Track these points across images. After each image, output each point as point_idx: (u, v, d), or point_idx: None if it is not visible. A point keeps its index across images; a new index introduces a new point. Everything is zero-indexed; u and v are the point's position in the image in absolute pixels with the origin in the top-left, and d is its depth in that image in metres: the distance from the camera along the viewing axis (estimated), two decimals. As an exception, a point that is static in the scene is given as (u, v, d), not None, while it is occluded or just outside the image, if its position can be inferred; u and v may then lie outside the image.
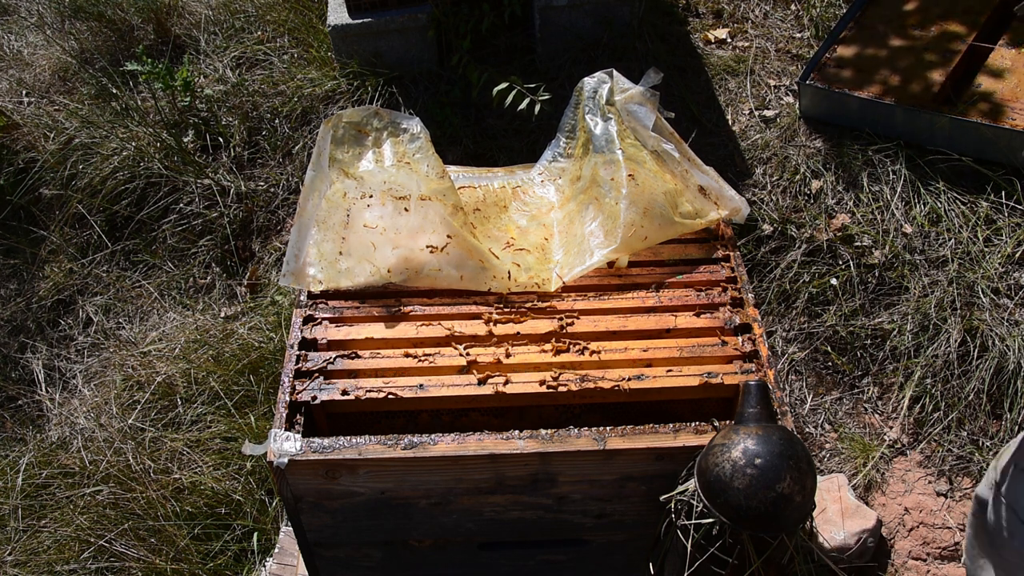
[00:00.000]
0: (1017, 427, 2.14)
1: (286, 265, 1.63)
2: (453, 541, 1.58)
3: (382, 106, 2.97)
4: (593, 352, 1.52)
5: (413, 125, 1.82)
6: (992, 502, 1.58)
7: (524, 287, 1.63)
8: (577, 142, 1.86)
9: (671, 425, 1.40)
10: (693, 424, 1.40)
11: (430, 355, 1.52)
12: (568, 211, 1.77)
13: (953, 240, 2.39)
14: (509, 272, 1.64)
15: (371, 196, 1.69)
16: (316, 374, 1.49)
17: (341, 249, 1.63)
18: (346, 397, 1.46)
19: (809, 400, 2.38)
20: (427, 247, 1.62)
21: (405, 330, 1.57)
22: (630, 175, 1.67)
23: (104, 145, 3.10)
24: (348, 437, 1.39)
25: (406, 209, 1.67)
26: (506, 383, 1.47)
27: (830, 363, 2.42)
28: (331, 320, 1.59)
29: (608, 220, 1.66)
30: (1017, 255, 2.34)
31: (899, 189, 2.49)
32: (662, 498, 1.35)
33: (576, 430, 1.40)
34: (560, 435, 1.39)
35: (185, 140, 3.11)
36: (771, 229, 2.54)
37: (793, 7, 3.22)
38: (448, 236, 1.63)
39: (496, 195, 1.87)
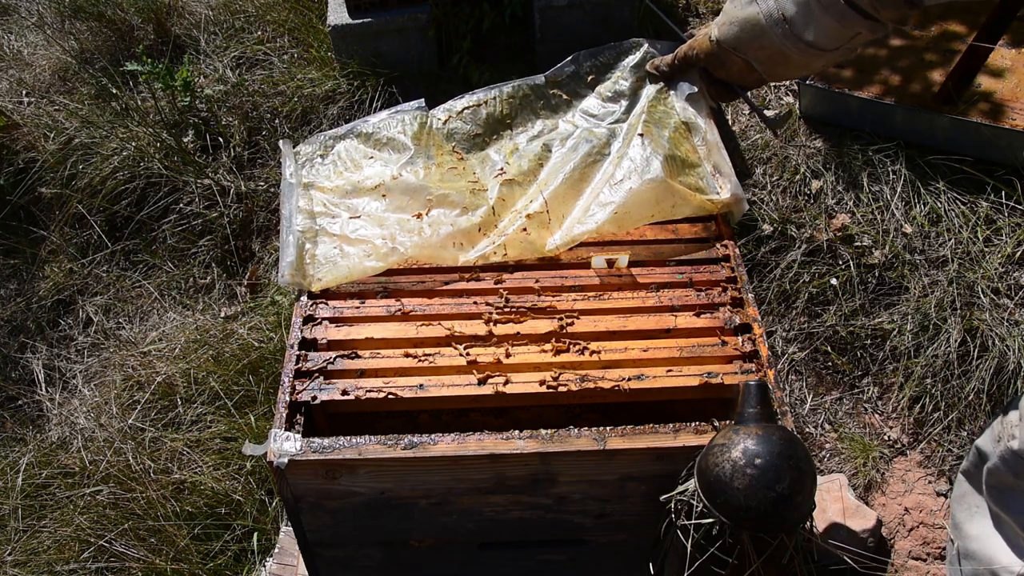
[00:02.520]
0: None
1: (282, 269, 1.63)
2: (453, 541, 1.58)
3: (382, 106, 2.97)
4: (593, 352, 1.52)
5: (366, 127, 1.88)
6: (997, 452, 1.58)
7: (514, 242, 1.68)
8: (605, 83, 1.91)
9: (671, 425, 1.40)
10: (693, 424, 1.40)
11: (430, 355, 1.52)
12: (579, 166, 1.80)
13: (953, 240, 2.40)
14: (493, 208, 1.70)
15: (351, 199, 1.76)
16: (316, 374, 1.49)
17: (337, 245, 1.66)
18: (346, 397, 1.46)
19: (809, 400, 2.38)
20: (413, 215, 1.69)
21: (405, 330, 1.57)
22: (641, 134, 1.73)
23: (104, 145, 3.10)
24: (348, 437, 1.39)
25: (383, 196, 1.74)
26: (506, 383, 1.47)
27: (830, 363, 2.42)
28: (331, 320, 1.59)
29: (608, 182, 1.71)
30: (1017, 255, 2.34)
31: (899, 189, 2.49)
32: (662, 498, 1.35)
33: (576, 430, 1.40)
34: (560, 435, 1.39)
35: (185, 140, 3.11)
36: (771, 229, 2.54)
37: (793, 7, 3.21)
38: (428, 199, 1.71)
39: (503, 107, 1.92)
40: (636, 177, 1.68)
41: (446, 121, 1.88)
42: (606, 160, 1.76)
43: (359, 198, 1.75)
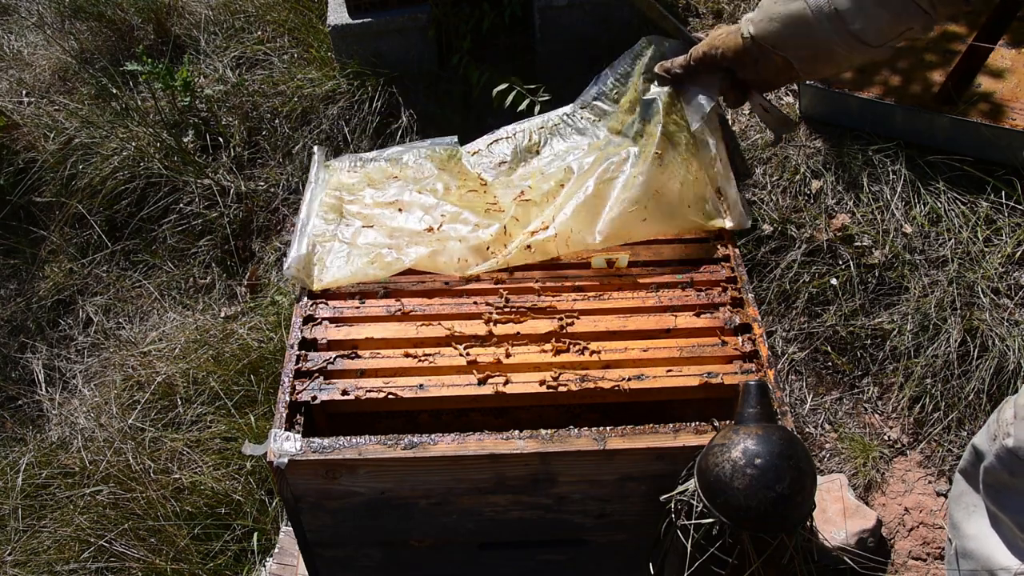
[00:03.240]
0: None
1: (287, 268, 1.64)
2: (453, 541, 1.58)
3: (382, 106, 2.97)
4: (593, 352, 1.52)
5: (395, 153, 1.89)
6: (994, 449, 1.58)
7: (520, 254, 1.67)
8: (626, 94, 1.85)
9: (671, 425, 1.40)
10: (693, 424, 1.40)
11: (430, 355, 1.52)
12: (596, 182, 1.74)
13: (953, 240, 2.40)
14: (505, 227, 1.68)
15: (368, 209, 1.77)
16: (316, 374, 1.49)
17: (345, 250, 1.66)
18: (346, 397, 1.46)
19: (809, 400, 2.38)
20: (425, 229, 1.70)
21: (405, 330, 1.57)
22: (657, 153, 1.69)
23: (104, 145, 3.10)
24: (348, 437, 1.39)
25: (400, 210, 1.74)
26: (506, 383, 1.47)
27: (830, 363, 2.42)
28: (331, 320, 1.59)
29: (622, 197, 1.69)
30: (1017, 255, 2.34)
31: (899, 189, 2.49)
32: (662, 498, 1.35)
33: (576, 430, 1.40)
34: (560, 435, 1.39)
35: (185, 140, 3.11)
36: (771, 229, 2.54)
37: (793, 7, 3.21)
38: (442, 216, 1.71)
39: (532, 137, 1.90)
40: (647, 201, 1.67)
41: (474, 153, 1.90)
42: (621, 177, 1.71)
43: (376, 209, 1.76)
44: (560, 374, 1.48)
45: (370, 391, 1.47)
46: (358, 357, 1.52)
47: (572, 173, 1.78)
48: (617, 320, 1.57)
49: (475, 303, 1.61)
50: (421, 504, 1.48)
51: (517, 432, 1.39)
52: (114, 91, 3.28)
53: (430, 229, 1.70)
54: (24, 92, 3.52)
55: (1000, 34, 2.58)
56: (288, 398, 1.45)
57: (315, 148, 1.92)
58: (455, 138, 1.92)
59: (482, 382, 1.47)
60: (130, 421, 2.42)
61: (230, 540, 2.21)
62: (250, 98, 3.17)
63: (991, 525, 1.67)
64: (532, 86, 2.62)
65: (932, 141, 2.51)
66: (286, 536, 2.08)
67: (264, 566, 2.13)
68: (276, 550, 2.08)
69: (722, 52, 1.63)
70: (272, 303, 2.68)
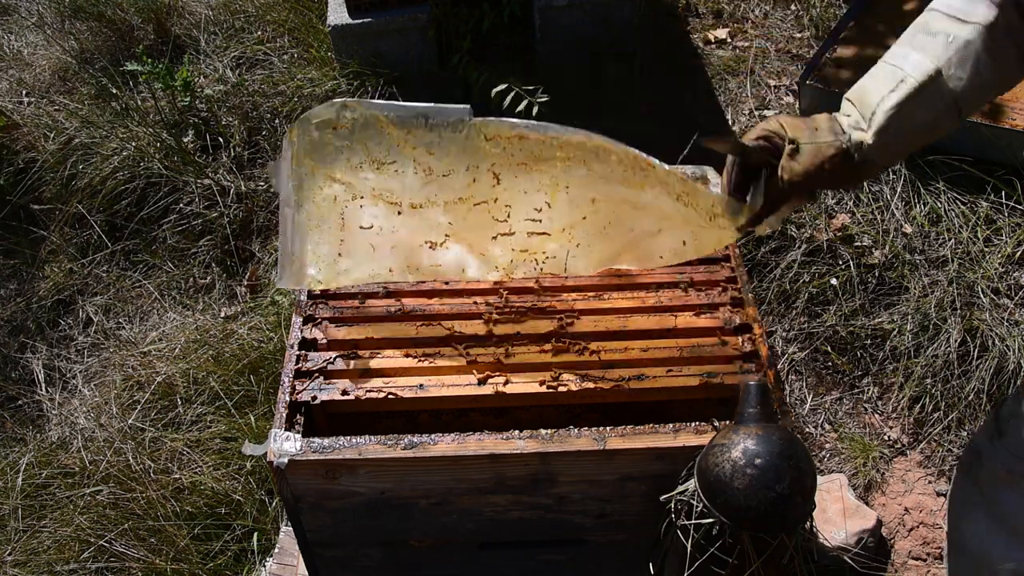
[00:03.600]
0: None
1: (281, 269, 1.58)
2: (453, 541, 1.58)
3: (382, 106, 2.96)
4: (593, 352, 1.52)
5: (394, 121, 1.51)
6: (991, 449, 1.58)
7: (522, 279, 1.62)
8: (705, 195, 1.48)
9: (671, 425, 1.40)
10: (693, 424, 1.40)
11: (430, 355, 1.52)
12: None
13: (953, 240, 2.40)
14: (512, 259, 1.57)
15: (362, 197, 1.56)
16: (316, 374, 1.49)
17: (340, 251, 1.61)
18: (346, 397, 1.46)
19: (809, 400, 2.38)
20: (426, 243, 1.57)
21: (405, 330, 1.57)
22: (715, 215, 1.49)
23: (104, 145, 3.10)
24: (348, 437, 1.39)
25: (399, 213, 1.57)
26: (506, 383, 1.47)
27: (830, 363, 2.42)
28: (331, 320, 1.59)
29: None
30: (1017, 255, 2.34)
31: (899, 189, 2.49)
32: (662, 498, 1.35)
33: (576, 430, 1.40)
34: (560, 435, 1.39)
35: (185, 140, 3.11)
36: (771, 229, 2.54)
37: (793, 7, 3.22)
38: (447, 235, 1.57)
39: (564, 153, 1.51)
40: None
41: (490, 140, 1.50)
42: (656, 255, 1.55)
43: (372, 206, 1.56)
44: (560, 374, 1.48)
45: (370, 391, 1.47)
46: (358, 357, 1.52)
47: (599, 212, 1.52)
48: (617, 320, 1.57)
49: (475, 303, 1.61)
50: (421, 504, 1.48)
51: (517, 432, 1.40)
52: (114, 91, 3.28)
53: (432, 246, 1.56)
54: (24, 92, 3.52)
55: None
56: (288, 398, 1.45)
57: (287, 135, 1.51)
58: (468, 109, 1.46)
59: (482, 382, 1.47)
60: (130, 421, 2.42)
61: (230, 540, 2.21)
62: (250, 98, 3.17)
63: (989, 524, 1.68)
64: (530, 87, 2.62)
65: (932, 141, 2.51)
66: (286, 536, 2.08)
67: (264, 566, 2.12)
68: (276, 550, 2.08)
69: (827, 177, 1.36)
70: (272, 303, 2.67)
